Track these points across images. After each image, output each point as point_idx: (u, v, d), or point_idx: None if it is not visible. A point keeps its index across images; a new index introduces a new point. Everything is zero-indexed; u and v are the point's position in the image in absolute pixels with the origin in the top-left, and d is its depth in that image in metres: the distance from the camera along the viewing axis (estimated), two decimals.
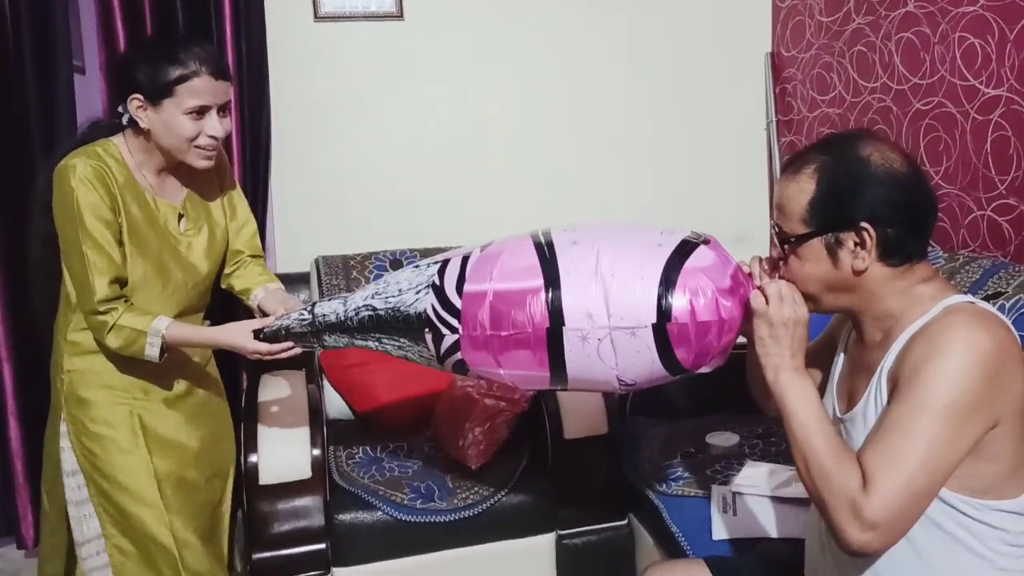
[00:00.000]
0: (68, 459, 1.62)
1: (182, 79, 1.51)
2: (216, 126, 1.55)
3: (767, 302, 1.14)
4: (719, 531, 1.67)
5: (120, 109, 1.61)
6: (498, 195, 2.69)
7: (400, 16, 2.55)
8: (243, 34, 2.31)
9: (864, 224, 1.08)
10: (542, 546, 2.03)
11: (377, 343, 1.40)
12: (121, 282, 1.56)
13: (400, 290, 1.36)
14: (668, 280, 1.17)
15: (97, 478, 1.60)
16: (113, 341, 1.53)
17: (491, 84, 2.66)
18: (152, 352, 1.54)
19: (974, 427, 1.02)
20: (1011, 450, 1.05)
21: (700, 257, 1.20)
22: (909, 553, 1.08)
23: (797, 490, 1.69)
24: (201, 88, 1.52)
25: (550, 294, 1.21)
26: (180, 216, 1.66)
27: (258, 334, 1.55)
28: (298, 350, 1.57)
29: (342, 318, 1.43)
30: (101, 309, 1.52)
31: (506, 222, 2.67)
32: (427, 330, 1.31)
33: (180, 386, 1.70)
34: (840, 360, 1.25)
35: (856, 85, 2.43)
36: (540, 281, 1.22)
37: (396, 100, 2.60)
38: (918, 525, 1.06)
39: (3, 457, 2.30)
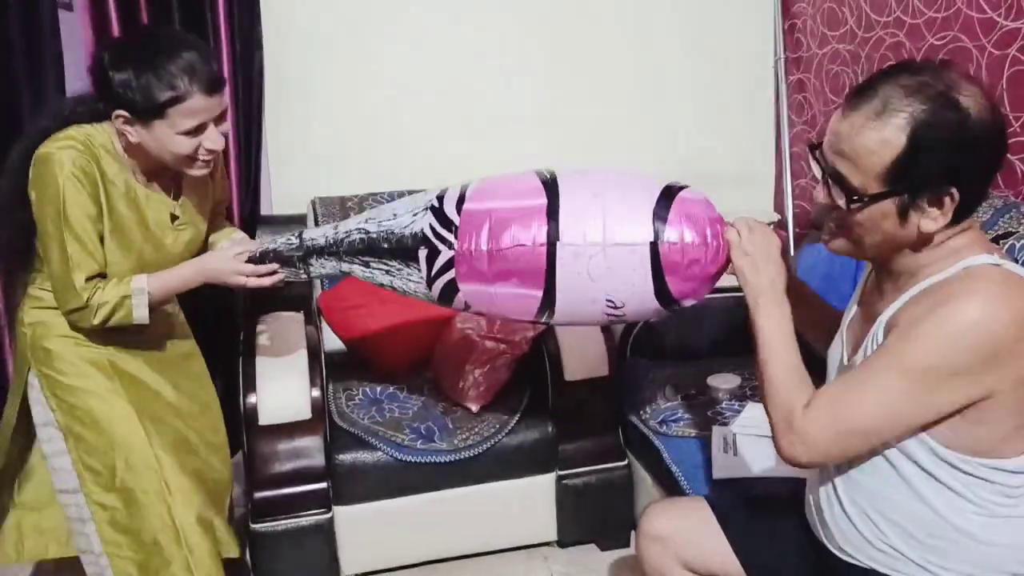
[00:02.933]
0: (40, 411, 1.56)
1: (174, 101, 1.40)
2: (215, 139, 1.46)
3: (739, 235, 1.18)
4: (719, 471, 1.67)
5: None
6: (498, 133, 2.62)
7: None
8: None
9: (952, 189, 0.98)
10: (542, 486, 2.04)
11: (364, 268, 1.42)
12: (100, 276, 1.49)
13: (395, 214, 1.38)
14: (664, 205, 1.24)
15: (79, 429, 1.53)
16: (98, 319, 1.47)
17: (491, 18, 2.57)
18: (141, 312, 1.48)
19: (947, 395, 1.00)
20: (1006, 416, 1.02)
21: (691, 192, 1.28)
22: (910, 498, 1.08)
23: None
24: (195, 108, 1.41)
25: (548, 212, 1.25)
26: (173, 217, 1.59)
27: (239, 257, 1.51)
28: (284, 275, 1.52)
29: (331, 241, 1.44)
30: (80, 306, 1.46)
31: (506, 161, 2.59)
32: (422, 247, 1.33)
33: (150, 339, 1.62)
34: (854, 309, 1.23)
35: (868, 19, 2.35)
36: (542, 200, 1.27)
37: (393, 35, 2.52)
38: (916, 473, 1.06)
39: None
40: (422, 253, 1.33)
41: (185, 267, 1.56)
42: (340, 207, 2.37)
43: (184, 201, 1.61)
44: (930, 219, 1.01)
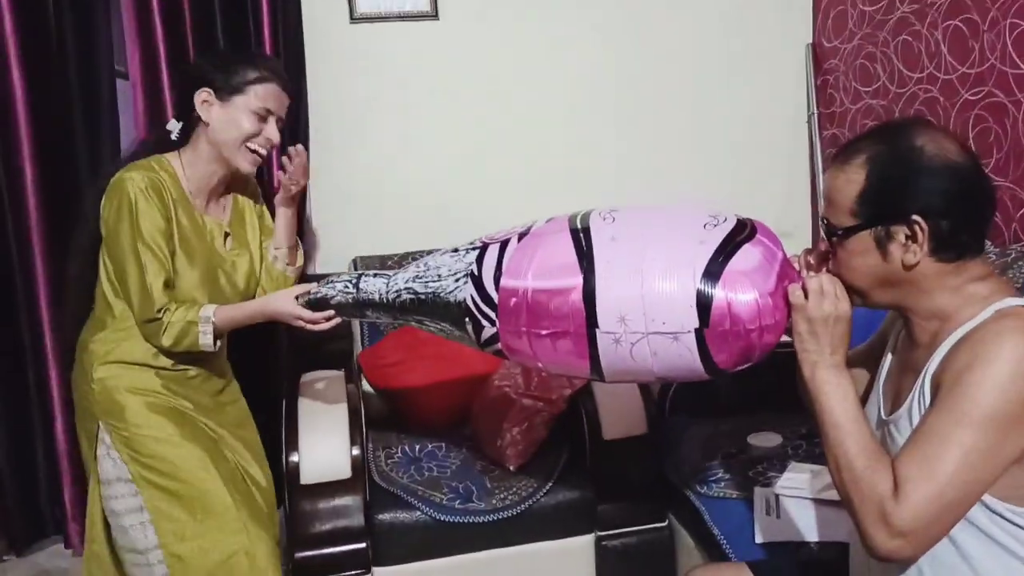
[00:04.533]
0: (107, 468, 1.62)
1: (258, 80, 1.62)
2: (274, 132, 1.65)
3: (806, 296, 1.11)
4: (761, 535, 1.64)
5: (169, 127, 1.67)
6: (535, 193, 2.67)
7: (435, 16, 2.54)
8: (280, 36, 2.33)
9: (916, 217, 1.04)
10: (581, 547, 2.02)
11: (419, 324, 1.43)
12: (172, 289, 1.61)
13: (440, 275, 1.36)
14: (709, 284, 1.14)
15: (156, 479, 1.59)
16: (168, 339, 1.58)
17: (527, 81, 2.64)
18: (207, 340, 1.59)
19: (1016, 439, 0.98)
20: None
21: (744, 257, 1.15)
22: (955, 557, 1.05)
23: None
24: (271, 93, 1.63)
25: (584, 296, 1.20)
26: (226, 235, 1.72)
27: (300, 300, 1.57)
28: (340, 320, 1.59)
29: (384, 298, 1.44)
30: (159, 315, 1.56)
31: (544, 218, 2.67)
32: (467, 320, 1.32)
33: (199, 374, 1.71)
34: (888, 360, 1.22)
35: (901, 75, 2.37)
36: (578, 280, 1.20)
37: (432, 99, 2.60)
38: (965, 531, 1.03)
39: (50, 457, 2.35)
40: (468, 324, 1.32)
41: (249, 304, 1.67)
42: (380, 266, 2.41)
43: (234, 225, 1.76)
44: (910, 252, 1.06)
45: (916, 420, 1.07)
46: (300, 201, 2.44)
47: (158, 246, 1.56)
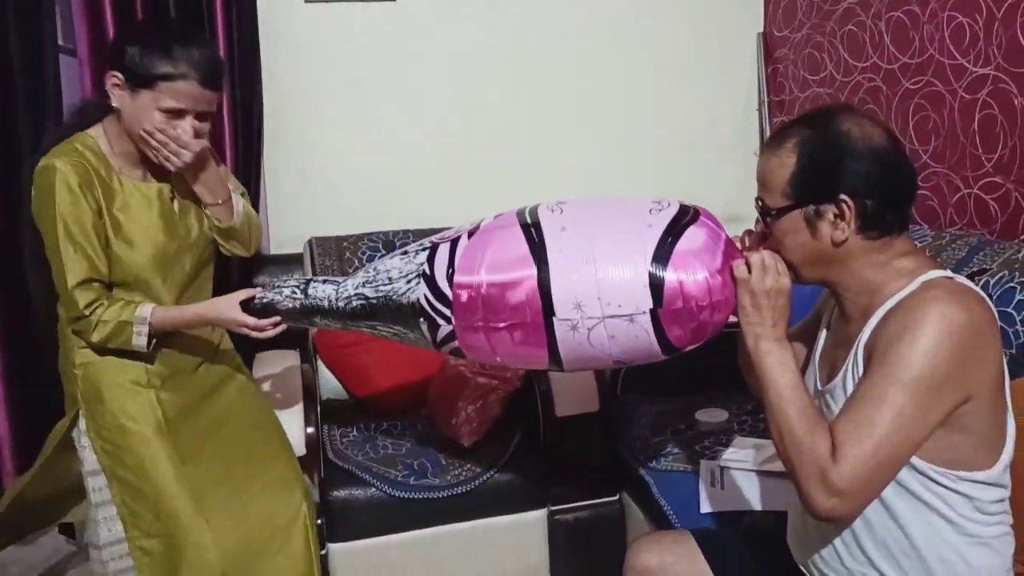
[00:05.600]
0: (88, 458, 1.59)
1: (167, 77, 1.46)
2: (187, 130, 1.50)
3: (750, 271, 1.16)
4: (707, 504, 1.70)
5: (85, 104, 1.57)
6: (490, 176, 2.70)
7: None
8: (235, 16, 2.31)
9: (843, 196, 1.10)
10: (534, 522, 2.06)
11: (371, 329, 1.40)
12: (104, 283, 1.53)
13: (391, 278, 1.34)
14: (659, 265, 1.17)
15: (121, 473, 1.56)
16: (97, 336, 1.51)
17: (481, 65, 2.66)
18: (140, 341, 1.52)
19: (944, 401, 1.04)
20: (984, 423, 1.07)
21: (690, 238, 1.19)
22: (885, 517, 1.12)
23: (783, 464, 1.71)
24: (183, 92, 1.48)
25: (539, 284, 1.21)
26: (172, 196, 1.63)
27: (247, 305, 1.51)
28: (286, 325, 1.53)
29: (334, 305, 1.41)
30: (86, 313, 1.50)
31: (499, 203, 2.66)
32: (421, 319, 1.31)
33: (192, 362, 1.68)
34: (823, 335, 1.27)
35: (847, 65, 2.44)
36: (531, 271, 1.22)
37: (388, 81, 2.60)
38: (894, 492, 1.09)
39: None
40: (423, 324, 1.31)
41: (191, 309, 1.59)
42: (336, 247, 2.42)
43: (178, 182, 1.62)
44: (838, 230, 1.11)
45: (850, 387, 1.13)
46: (255, 183, 2.43)
47: (85, 239, 1.48)
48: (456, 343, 1.30)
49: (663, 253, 1.17)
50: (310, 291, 1.45)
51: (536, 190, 2.72)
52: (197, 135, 1.53)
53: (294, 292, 1.47)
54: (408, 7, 2.57)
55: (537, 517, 2.06)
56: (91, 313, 1.50)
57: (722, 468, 1.78)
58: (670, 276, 1.16)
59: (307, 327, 1.49)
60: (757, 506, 1.67)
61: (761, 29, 2.84)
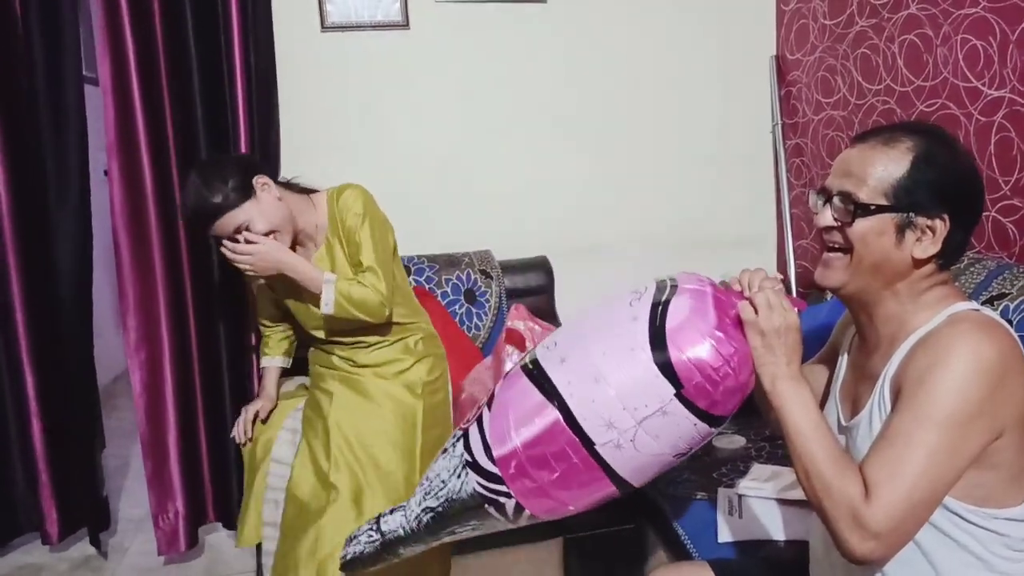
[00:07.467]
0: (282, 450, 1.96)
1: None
2: (227, 252, 1.85)
3: (756, 312, 1.12)
4: (724, 533, 1.68)
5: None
6: (504, 202, 2.71)
7: (406, 25, 2.57)
8: (251, 45, 2.33)
9: (944, 215, 1.09)
10: (549, 549, 2.04)
11: (452, 535, 1.37)
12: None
13: (443, 481, 1.32)
14: (660, 350, 1.14)
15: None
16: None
17: (496, 91, 2.68)
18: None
19: (977, 437, 1.02)
20: (1012, 458, 1.05)
21: (676, 312, 1.16)
22: (915, 554, 1.09)
23: (802, 493, 1.69)
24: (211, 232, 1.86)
25: (568, 423, 1.18)
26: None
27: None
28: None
29: (408, 528, 1.37)
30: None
31: (512, 228, 2.71)
32: (486, 505, 1.28)
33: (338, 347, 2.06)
34: (843, 366, 1.25)
35: (860, 87, 2.44)
36: (554, 413, 1.20)
37: (403, 108, 2.63)
38: (924, 531, 1.07)
39: (27, 458, 2.36)
40: (490, 509, 1.28)
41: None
42: None
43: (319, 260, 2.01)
44: (922, 245, 1.09)
45: (876, 424, 1.10)
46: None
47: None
48: (527, 512, 1.27)
49: (657, 337, 1.14)
50: (383, 527, 1.41)
51: (549, 213, 2.74)
52: (240, 251, 1.84)
53: (369, 536, 1.42)
54: (421, 35, 2.60)
55: (553, 545, 2.04)
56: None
57: (740, 496, 1.76)
58: (674, 355, 1.13)
59: (395, 560, 1.44)
60: (776, 535, 1.64)
61: (774, 52, 2.84)
